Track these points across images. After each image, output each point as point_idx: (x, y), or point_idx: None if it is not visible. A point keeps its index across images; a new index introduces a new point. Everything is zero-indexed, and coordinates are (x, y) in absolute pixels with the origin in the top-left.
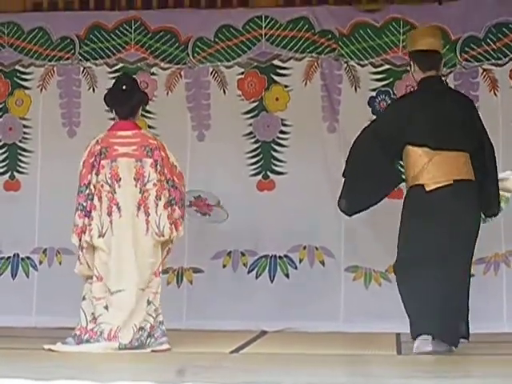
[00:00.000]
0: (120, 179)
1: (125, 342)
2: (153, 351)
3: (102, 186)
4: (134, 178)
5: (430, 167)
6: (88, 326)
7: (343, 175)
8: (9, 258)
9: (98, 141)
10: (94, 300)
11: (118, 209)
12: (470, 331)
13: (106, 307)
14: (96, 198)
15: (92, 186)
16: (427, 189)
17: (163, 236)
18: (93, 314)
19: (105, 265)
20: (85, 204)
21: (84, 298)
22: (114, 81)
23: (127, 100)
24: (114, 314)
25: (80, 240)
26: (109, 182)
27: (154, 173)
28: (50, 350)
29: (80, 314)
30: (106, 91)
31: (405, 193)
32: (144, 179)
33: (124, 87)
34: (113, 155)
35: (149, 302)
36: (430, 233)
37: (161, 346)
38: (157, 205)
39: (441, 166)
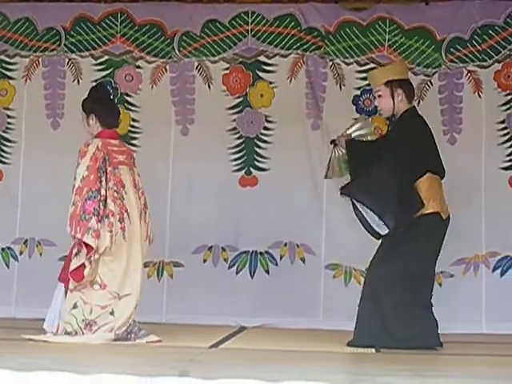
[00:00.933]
0: (124, 186)
1: (118, 332)
2: (148, 342)
3: (113, 192)
4: (134, 186)
5: (441, 195)
6: (84, 332)
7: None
8: None
9: (97, 146)
10: (99, 309)
11: (128, 215)
12: (449, 331)
13: (112, 312)
14: (112, 204)
15: (104, 192)
16: (444, 217)
17: (150, 243)
18: (84, 320)
19: (111, 272)
20: (98, 209)
21: (75, 306)
22: (102, 74)
23: (116, 110)
24: (120, 316)
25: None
26: (115, 188)
27: (140, 182)
28: (45, 341)
29: (71, 322)
30: (90, 84)
31: None
32: (137, 187)
33: (111, 97)
34: (114, 162)
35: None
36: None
37: (152, 337)
38: (145, 212)
39: (443, 195)
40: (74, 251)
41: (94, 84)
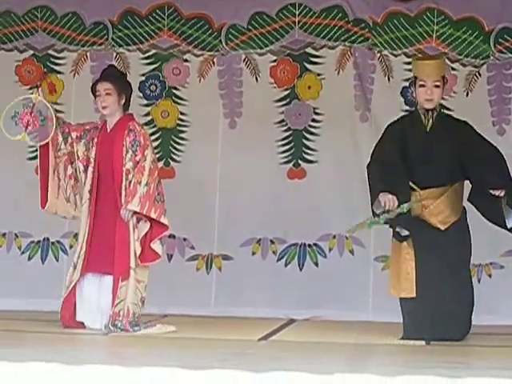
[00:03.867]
0: None
1: None
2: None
3: None
4: None
5: None
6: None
7: None
8: (39, 241)
9: None
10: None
11: None
12: (500, 322)
13: None
14: None
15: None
16: None
17: None
18: (142, 298)
19: None
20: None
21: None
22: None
23: None
24: None
25: None
26: None
27: None
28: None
29: (136, 302)
30: (138, 78)
31: None
32: None
33: None
34: None
35: None
36: None
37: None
38: None
39: None
40: (135, 236)
41: (109, 65)
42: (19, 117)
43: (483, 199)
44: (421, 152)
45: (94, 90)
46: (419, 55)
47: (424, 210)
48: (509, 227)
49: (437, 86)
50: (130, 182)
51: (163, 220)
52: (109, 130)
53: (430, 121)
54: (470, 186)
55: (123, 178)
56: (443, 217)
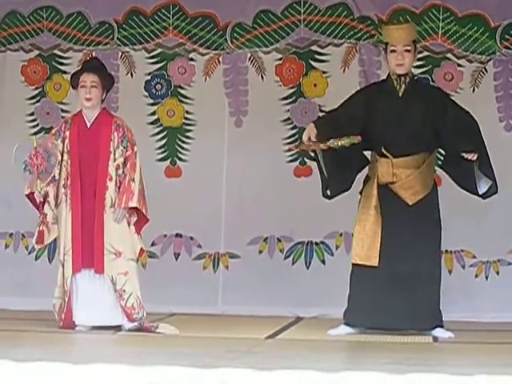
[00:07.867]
0: None
1: None
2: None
3: None
4: None
5: None
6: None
7: None
8: None
9: None
10: None
11: None
12: (507, 320)
13: None
14: None
15: None
16: None
17: None
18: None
19: None
20: None
21: None
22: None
23: None
24: None
25: None
26: None
27: None
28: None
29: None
30: (144, 77)
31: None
32: None
33: None
34: None
35: None
36: None
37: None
38: None
39: None
40: (132, 230)
41: (93, 57)
42: (29, 166)
43: (455, 165)
44: (393, 117)
45: (75, 80)
46: (425, 52)
47: (395, 182)
48: (480, 193)
49: (407, 51)
50: (121, 178)
51: (148, 216)
52: (89, 125)
53: (403, 86)
54: (444, 152)
55: (112, 173)
56: (413, 192)
